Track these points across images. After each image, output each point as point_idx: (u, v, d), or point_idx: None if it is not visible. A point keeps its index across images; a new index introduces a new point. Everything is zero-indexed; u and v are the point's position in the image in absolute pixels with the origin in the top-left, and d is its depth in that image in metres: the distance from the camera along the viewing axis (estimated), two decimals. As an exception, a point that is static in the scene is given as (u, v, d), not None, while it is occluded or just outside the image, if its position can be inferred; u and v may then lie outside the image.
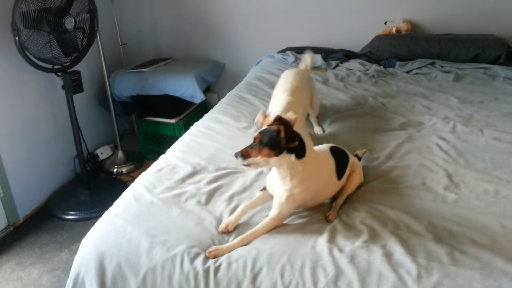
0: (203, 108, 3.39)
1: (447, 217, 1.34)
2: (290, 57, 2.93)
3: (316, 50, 3.04)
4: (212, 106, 2.34)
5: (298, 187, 1.32)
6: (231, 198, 1.49)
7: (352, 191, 1.51)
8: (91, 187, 2.86)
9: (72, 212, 2.69)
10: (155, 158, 1.79)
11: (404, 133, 1.88)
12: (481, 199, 1.42)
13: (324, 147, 1.54)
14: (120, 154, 3.32)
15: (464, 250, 1.20)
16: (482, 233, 1.26)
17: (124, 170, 3.24)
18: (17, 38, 2.21)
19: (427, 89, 2.34)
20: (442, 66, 2.63)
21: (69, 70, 2.54)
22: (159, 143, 3.35)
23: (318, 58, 2.86)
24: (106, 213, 1.44)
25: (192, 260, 1.23)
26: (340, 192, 1.49)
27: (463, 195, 1.44)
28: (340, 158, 1.49)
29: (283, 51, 3.12)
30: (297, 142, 1.28)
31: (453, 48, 2.68)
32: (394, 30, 2.93)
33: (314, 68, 2.79)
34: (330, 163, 1.44)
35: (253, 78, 2.68)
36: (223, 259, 1.22)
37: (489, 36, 2.73)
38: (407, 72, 2.64)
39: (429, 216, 1.35)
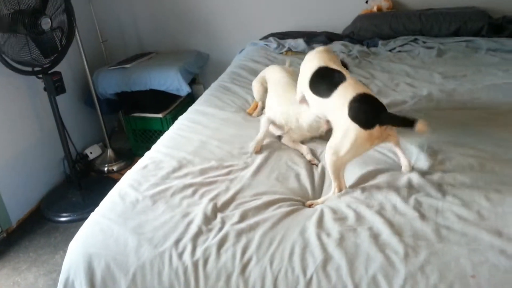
0: (190, 100, 3.36)
1: (433, 194, 1.34)
2: (273, 43, 2.90)
3: (299, 34, 3.02)
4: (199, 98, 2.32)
5: None
6: (217, 190, 1.48)
7: None
8: (82, 187, 2.85)
9: (64, 214, 2.69)
10: (145, 154, 1.79)
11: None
12: (466, 173, 1.42)
13: None
14: (109, 152, 3.31)
15: (451, 226, 1.20)
16: (468, 208, 1.27)
17: (114, 168, 3.23)
18: (-7, 42, 2.18)
19: (410, 67, 2.34)
20: (424, 42, 2.62)
21: (49, 72, 2.51)
22: (148, 139, 3.34)
23: (301, 42, 2.84)
24: (92, 214, 1.44)
25: (180, 255, 1.23)
26: None
27: (449, 171, 1.44)
28: None
29: (266, 37, 3.10)
30: None
31: (434, 23, 2.66)
32: (375, 9, 2.91)
33: (296, 52, 2.78)
34: None
35: (237, 67, 2.66)
36: (212, 251, 1.22)
37: (470, 8, 2.72)
38: (390, 50, 2.63)
39: (416, 194, 1.35)
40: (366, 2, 2.99)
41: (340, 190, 1.42)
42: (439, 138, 1.63)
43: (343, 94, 1.41)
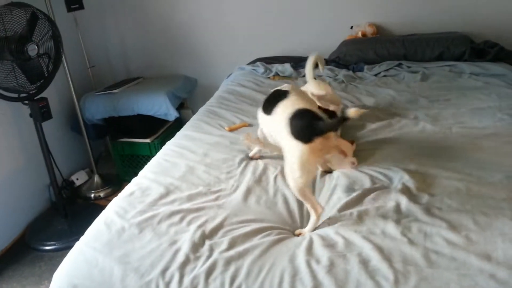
0: (178, 125, 3.34)
1: (421, 218, 1.34)
2: (260, 68, 2.93)
3: (286, 59, 3.06)
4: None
5: None
6: (205, 216, 1.46)
7: None
8: (68, 214, 2.80)
9: (50, 243, 2.63)
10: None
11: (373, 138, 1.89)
12: (453, 198, 1.42)
13: None
14: (96, 178, 3.27)
15: (440, 251, 1.20)
16: (456, 232, 1.27)
17: (101, 194, 3.19)
18: (-22, 69, 2.17)
19: (396, 91, 2.36)
20: (409, 67, 2.66)
21: (35, 98, 2.49)
22: (136, 164, 3.32)
23: (288, 67, 2.87)
24: (77, 243, 1.41)
25: (168, 284, 1.20)
26: None
27: (436, 194, 1.45)
28: None
29: (253, 62, 3.13)
30: None
31: (418, 48, 2.71)
32: (360, 34, 2.96)
33: (284, 77, 2.80)
34: None
35: (224, 91, 2.67)
36: (200, 280, 1.20)
37: (453, 33, 2.78)
38: (375, 75, 2.67)
39: (404, 218, 1.35)
40: (351, 27, 3.05)
41: (316, 211, 1.41)
42: (426, 161, 1.64)
43: (282, 112, 1.46)
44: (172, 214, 1.48)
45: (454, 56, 2.65)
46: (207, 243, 1.33)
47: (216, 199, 1.56)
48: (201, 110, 2.43)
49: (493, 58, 2.58)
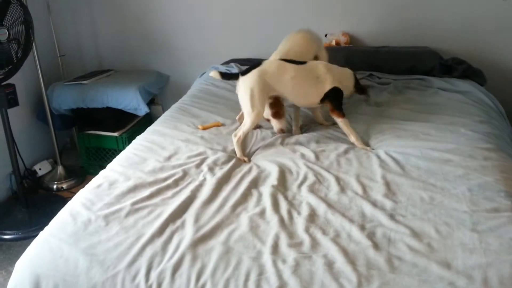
0: (148, 121, 3.33)
1: (386, 224, 1.38)
2: (234, 69, 2.93)
3: (260, 61, 3.07)
4: (157, 118, 2.31)
5: None
6: (173, 210, 1.46)
7: None
8: (29, 204, 2.73)
9: (8, 232, 2.55)
10: (97, 172, 1.74)
11: (343, 145, 1.93)
12: (417, 206, 1.47)
13: None
14: (60, 169, 3.20)
15: (402, 257, 1.24)
16: (419, 239, 1.31)
17: (64, 186, 3.12)
18: None
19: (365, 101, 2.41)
20: (379, 78, 2.72)
21: (2, 84, 2.42)
22: (101, 157, 3.26)
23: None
24: (41, 233, 1.38)
25: (134, 278, 1.19)
26: None
27: (401, 202, 1.49)
28: None
29: (227, 62, 3.13)
30: None
31: (389, 60, 2.78)
32: (333, 43, 3.01)
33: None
34: None
35: (197, 90, 2.67)
36: (166, 274, 1.20)
37: (423, 48, 2.87)
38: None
39: (370, 224, 1.38)
40: (325, 36, 3.09)
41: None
42: (391, 170, 1.69)
43: None
44: (140, 207, 1.47)
45: (423, 71, 2.72)
46: (175, 237, 1.33)
47: (185, 193, 1.56)
48: (174, 107, 2.42)
49: (460, 75, 2.67)
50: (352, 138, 1.95)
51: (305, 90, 1.97)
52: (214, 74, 1.92)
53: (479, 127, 2.01)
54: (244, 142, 1.95)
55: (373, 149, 1.91)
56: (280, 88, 1.93)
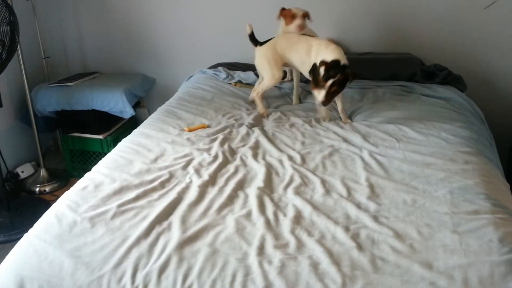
0: (133, 124, 3.32)
1: (369, 226, 1.40)
2: (222, 73, 2.95)
3: (246, 66, 3.09)
4: (142, 121, 2.30)
5: None
6: (159, 212, 1.46)
7: None
8: (10, 207, 2.70)
9: (-11, 235, 2.52)
10: (81, 175, 1.73)
11: (328, 148, 1.95)
12: (400, 208, 1.50)
13: None
14: (42, 172, 3.17)
15: (385, 258, 1.26)
16: (401, 240, 1.33)
17: (47, 189, 3.09)
18: None
19: (347, 108, 2.42)
20: (362, 83, 2.76)
21: (-14, 84, 2.40)
22: (86, 160, 3.24)
23: (251, 75, 2.89)
24: (25, 235, 1.37)
25: (119, 280, 1.19)
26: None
27: (384, 204, 1.52)
28: None
29: (214, 66, 3.14)
30: None
31: (372, 66, 2.82)
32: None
33: (246, 84, 2.83)
34: None
35: (184, 93, 2.67)
36: (152, 276, 1.20)
37: (405, 55, 2.92)
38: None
39: (354, 225, 1.41)
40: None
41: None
42: (375, 173, 1.72)
43: None
44: (126, 209, 1.47)
45: (405, 77, 2.77)
46: (161, 239, 1.34)
47: (172, 195, 1.56)
48: (160, 109, 2.42)
49: (441, 81, 2.72)
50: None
51: (301, 57, 2.25)
52: (248, 27, 2.37)
53: (460, 131, 2.06)
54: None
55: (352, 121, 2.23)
56: (287, 55, 2.30)
